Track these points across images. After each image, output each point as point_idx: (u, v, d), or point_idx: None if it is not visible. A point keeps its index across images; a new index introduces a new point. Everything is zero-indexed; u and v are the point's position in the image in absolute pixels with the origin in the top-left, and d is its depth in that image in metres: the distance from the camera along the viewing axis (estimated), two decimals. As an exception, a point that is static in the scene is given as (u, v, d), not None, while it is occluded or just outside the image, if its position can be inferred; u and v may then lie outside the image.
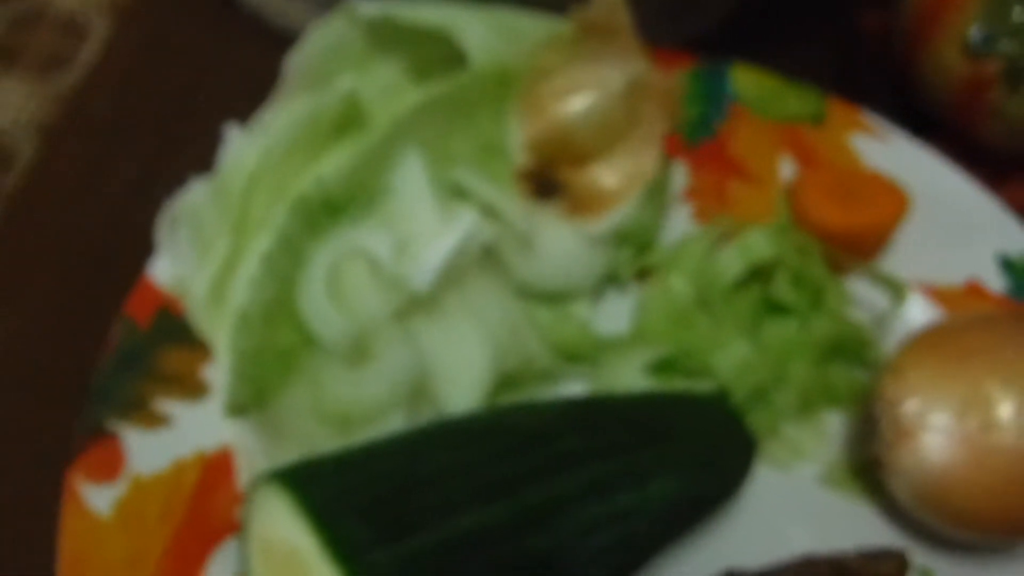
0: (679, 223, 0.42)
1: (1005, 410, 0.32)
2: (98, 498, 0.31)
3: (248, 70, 0.39)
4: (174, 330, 0.34)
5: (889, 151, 0.44)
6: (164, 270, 0.34)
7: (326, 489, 0.26)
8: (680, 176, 0.43)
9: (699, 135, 0.44)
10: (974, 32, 0.44)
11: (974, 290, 0.42)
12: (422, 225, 0.34)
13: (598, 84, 0.37)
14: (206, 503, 0.32)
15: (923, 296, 0.41)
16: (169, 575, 0.30)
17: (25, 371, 0.36)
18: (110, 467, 0.31)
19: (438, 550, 0.26)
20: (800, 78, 0.46)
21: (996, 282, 0.42)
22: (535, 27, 0.38)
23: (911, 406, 0.34)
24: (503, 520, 0.27)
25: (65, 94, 0.46)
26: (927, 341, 0.35)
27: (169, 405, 0.33)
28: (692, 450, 0.32)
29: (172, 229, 0.34)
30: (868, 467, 0.36)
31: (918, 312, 0.40)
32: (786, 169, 0.44)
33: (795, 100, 0.45)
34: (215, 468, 0.32)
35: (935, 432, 0.33)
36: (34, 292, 0.39)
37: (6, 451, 0.34)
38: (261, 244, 0.32)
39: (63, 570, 0.29)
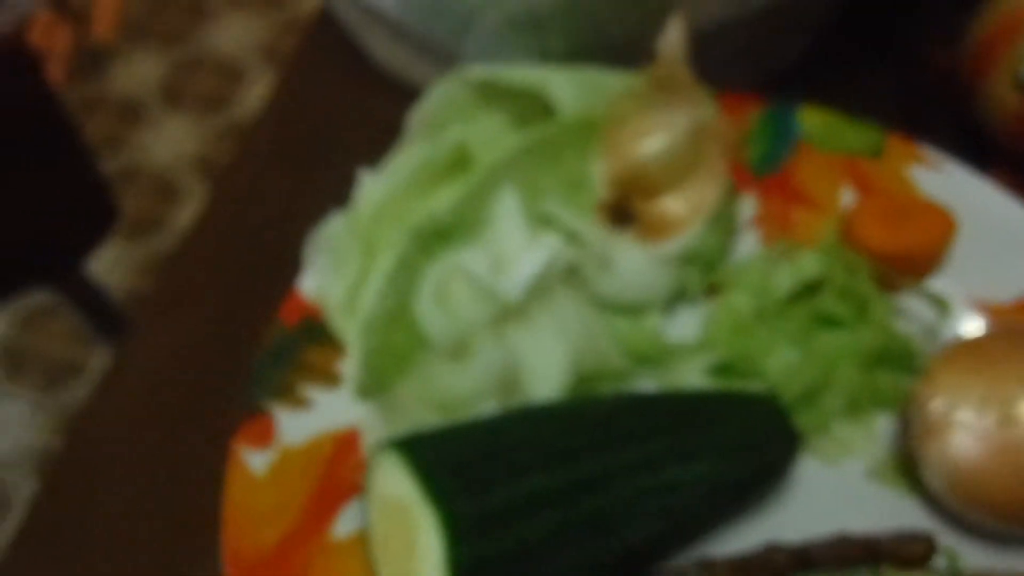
0: (747, 246, 0.48)
1: (1019, 409, 0.36)
2: (255, 461, 0.39)
3: (378, 120, 0.47)
4: (315, 332, 0.42)
5: (942, 180, 0.48)
6: (310, 284, 0.43)
7: (429, 452, 0.34)
8: (749, 206, 0.49)
9: (766, 170, 0.50)
10: (1023, 68, 0.48)
11: (1022, 306, 0.45)
12: (514, 247, 0.41)
13: (667, 128, 0.44)
14: (337, 469, 0.40)
15: (970, 311, 0.45)
16: (307, 523, 0.38)
17: (200, 367, 0.45)
18: (264, 437, 0.40)
19: (512, 502, 0.32)
20: (868, 112, 0.51)
21: (1049, 303, 0.45)
22: (614, 81, 0.45)
23: (937, 404, 0.38)
24: (565, 483, 0.33)
25: (229, 133, 0.55)
26: (958, 350, 0.40)
27: (310, 391, 0.41)
28: (735, 437, 0.37)
29: (316, 251, 0.42)
30: (908, 462, 0.41)
31: (963, 326, 0.44)
32: (846, 198, 0.49)
33: (855, 135, 0.50)
34: (345, 442, 0.40)
35: (958, 428, 0.37)
36: (206, 304, 0.48)
37: (185, 429, 0.43)
38: (385, 264, 0.40)
39: (227, 514, 0.38)
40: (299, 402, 0.41)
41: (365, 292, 0.40)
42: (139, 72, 1.99)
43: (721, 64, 0.52)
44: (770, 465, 0.38)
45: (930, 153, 0.49)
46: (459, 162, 0.44)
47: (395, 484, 0.34)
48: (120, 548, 0.41)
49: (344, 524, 0.39)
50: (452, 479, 0.33)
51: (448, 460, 0.33)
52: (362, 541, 0.38)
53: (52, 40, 1.94)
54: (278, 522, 0.38)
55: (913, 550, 0.36)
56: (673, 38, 0.42)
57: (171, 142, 1.80)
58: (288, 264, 0.43)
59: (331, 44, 0.58)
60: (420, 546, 0.33)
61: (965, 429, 0.37)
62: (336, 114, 0.55)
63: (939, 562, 0.37)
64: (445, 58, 0.50)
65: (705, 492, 0.36)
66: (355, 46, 0.56)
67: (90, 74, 1.98)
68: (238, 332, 0.45)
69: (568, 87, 0.44)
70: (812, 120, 0.51)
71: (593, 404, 0.38)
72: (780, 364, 0.42)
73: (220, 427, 0.40)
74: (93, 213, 0.83)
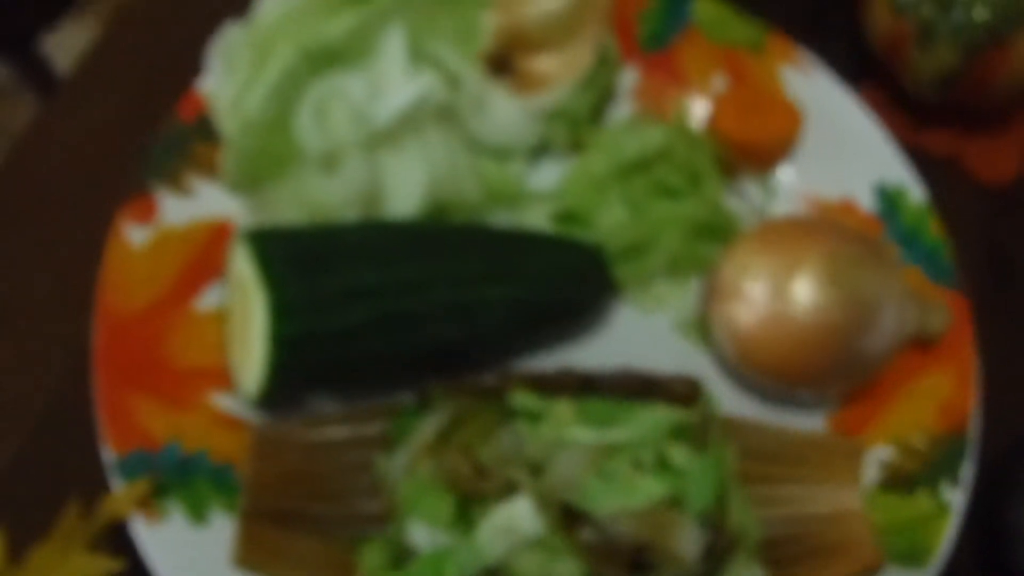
0: (621, 113, 0.52)
1: (793, 287, 0.43)
2: (136, 235, 0.44)
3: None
4: (208, 129, 0.47)
5: (807, 82, 0.53)
6: (208, 85, 0.47)
7: (273, 244, 0.39)
8: (631, 78, 0.53)
9: (654, 47, 0.54)
10: (899, -5, 0.52)
11: (847, 206, 0.51)
12: (393, 78, 0.45)
13: (555, -6, 0.47)
14: (209, 252, 0.45)
15: (799, 201, 0.50)
16: (175, 294, 0.44)
17: (107, 148, 0.50)
18: (147, 215, 0.45)
19: (335, 292, 0.38)
20: (772, 12, 0.54)
21: (867, 202, 0.51)
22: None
23: (727, 274, 0.44)
24: (387, 282, 0.39)
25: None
26: (760, 230, 0.45)
27: (195, 180, 0.46)
28: (549, 271, 0.43)
29: (217, 56, 0.46)
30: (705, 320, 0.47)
31: (783, 212, 0.50)
32: (718, 84, 0.53)
33: (741, 29, 0.54)
34: (219, 230, 0.46)
35: (741, 297, 0.43)
36: (122, 91, 0.52)
37: (87, 202, 0.48)
38: (272, 75, 0.44)
39: (104, 278, 0.43)
40: (183, 189, 0.46)
41: (251, 97, 0.44)
42: None
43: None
44: (579, 301, 0.45)
45: (804, 56, 0.53)
46: (359, -7, 0.47)
47: (243, 267, 0.40)
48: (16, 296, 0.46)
49: (208, 299, 0.44)
50: (285, 267, 0.38)
51: (287, 252, 0.39)
52: (220, 315, 0.44)
53: None
54: (149, 290, 0.44)
55: (681, 390, 0.43)
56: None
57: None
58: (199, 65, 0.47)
59: None
60: (255, 322, 0.39)
61: (746, 298, 0.43)
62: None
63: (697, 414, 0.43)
64: None
65: (508, 311, 0.42)
66: None
67: None
68: (146, 121, 0.49)
69: (471, -59, 0.47)
70: (705, 9, 0.54)
71: (434, 226, 0.44)
72: (611, 220, 0.47)
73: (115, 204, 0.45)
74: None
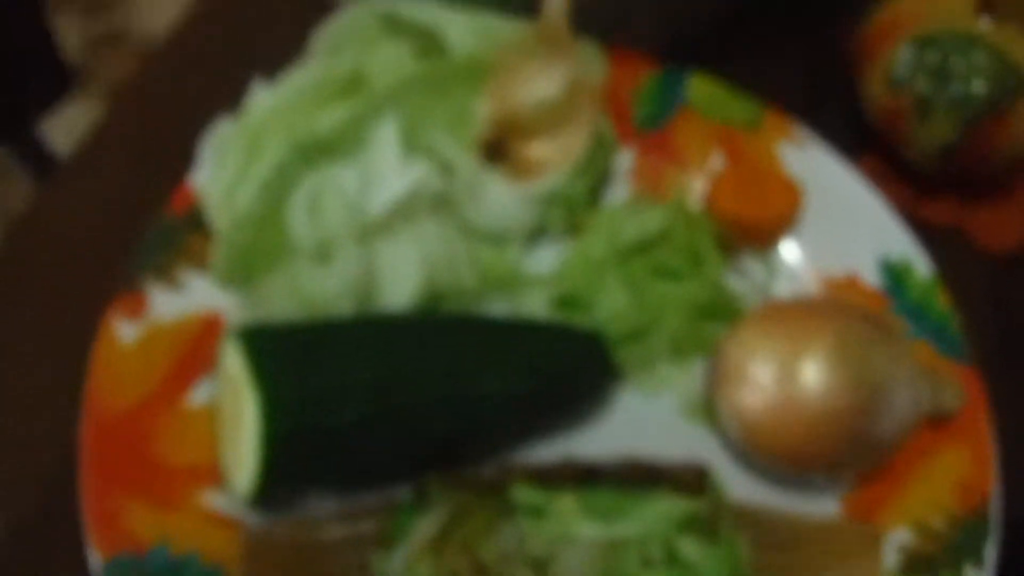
0: (618, 195, 0.52)
1: (801, 369, 0.41)
2: (126, 331, 0.44)
3: (291, 35, 0.50)
4: (200, 222, 0.46)
5: (805, 157, 0.52)
6: (200, 179, 0.47)
7: (263, 341, 0.39)
8: (627, 159, 0.53)
9: (650, 127, 0.54)
10: (896, 67, 0.52)
11: (852, 282, 0.50)
12: (385, 168, 0.45)
13: (547, 79, 0.47)
14: (200, 347, 0.44)
15: (805, 279, 0.49)
16: (165, 391, 0.43)
17: (99, 244, 0.50)
18: (136, 311, 0.44)
19: (328, 390, 0.37)
20: (771, 81, 0.54)
21: (873, 278, 0.50)
22: (508, 29, 0.48)
23: (733, 357, 0.43)
24: (381, 379, 0.38)
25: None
26: (763, 311, 0.44)
27: (186, 275, 0.45)
28: (549, 360, 0.42)
29: (208, 150, 0.46)
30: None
31: (795, 291, 0.49)
32: (716, 163, 0.53)
33: (736, 107, 0.54)
34: (210, 324, 0.45)
35: (747, 380, 0.42)
36: (114, 183, 0.52)
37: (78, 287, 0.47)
38: (264, 169, 0.44)
39: (92, 375, 0.42)
40: (174, 282, 0.45)
41: (242, 191, 0.44)
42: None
43: (633, 19, 0.55)
44: (579, 390, 0.43)
45: (801, 132, 0.53)
46: (353, 84, 0.47)
47: (234, 365, 0.39)
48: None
49: (199, 395, 0.43)
50: (277, 364, 0.37)
51: (279, 349, 0.38)
52: (211, 412, 0.43)
53: None
54: (139, 387, 0.43)
55: (688, 478, 0.42)
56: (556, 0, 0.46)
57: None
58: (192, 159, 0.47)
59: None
60: (247, 420, 0.37)
61: (752, 382, 0.42)
62: (250, 26, 0.58)
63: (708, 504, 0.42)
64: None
65: (508, 404, 0.41)
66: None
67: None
68: (140, 208, 0.49)
69: (464, 29, 0.48)
70: (700, 87, 0.54)
71: (430, 317, 0.43)
72: (612, 305, 0.46)
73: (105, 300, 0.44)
74: (50, 75, 0.86)
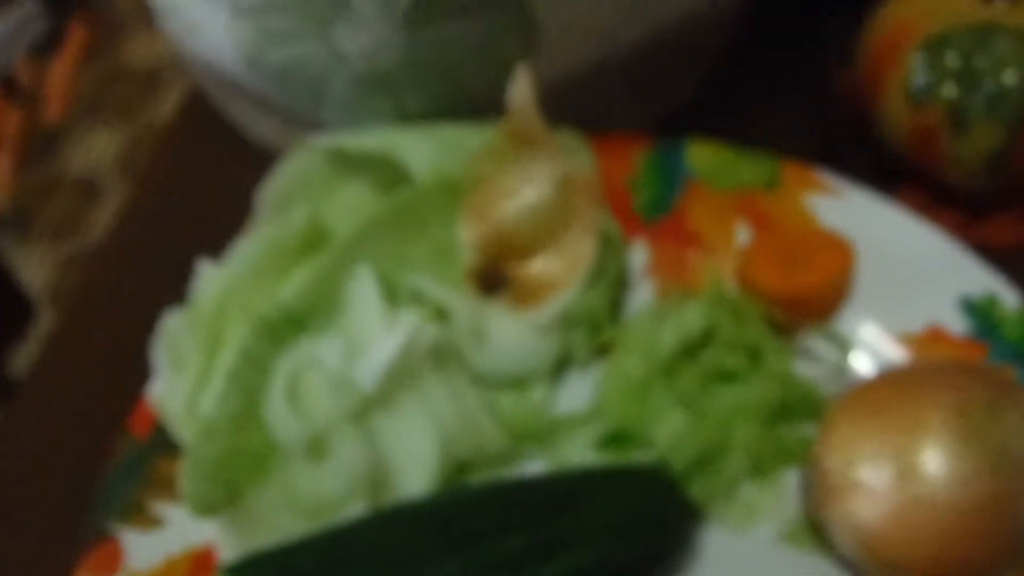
0: (643, 298, 0.45)
1: (917, 460, 0.33)
2: (101, 596, 0.36)
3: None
4: (168, 442, 0.39)
5: (843, 207, 0.45)
6: (160, 391, 0.39)
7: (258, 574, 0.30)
8: (641, 255, 0.46)
9: (657, 213, 0.47)
10: (914, 79, 0.45)
11: (936, 334, 0.42)
12: (370, 331, 0.38)
13: (530, 184, 0.41)
14: (195, 592, 0.36)
15: (880, 344, 0.42)
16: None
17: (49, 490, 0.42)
18: (110, 565, 0.36)
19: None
20: (775, 145, 0.48)
21: (958, 325, 0.42)
22: (471, 138, 0.42)
23: (834, 462, 0.35)
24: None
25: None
26: (851, 398, 0.36)
27: (162, 508, 0.38)
28: (621, 518, 0.34)
29: (161, 354, 0.39)
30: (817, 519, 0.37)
31: (874, 363, 0.41)
32: (742, 236, 0.46)
33: (748, 168, 0.47)
34: (202, 560, 0.37)
35: (857, 487, 0.34)
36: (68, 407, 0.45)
37: (22, 544, 0.40)
38: (226, 362, 0.37)
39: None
40: (149, 521, 0.37)
41: (206, 395, 0.36)
42: (94, 149, 1.97)
43: (606, 108, 0.49)
44: (664, 543, 0.35)
45: (828, 179, 0.46)
46: (313, 241, 0.41)
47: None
48: None
49: (203, 655, 0.35)
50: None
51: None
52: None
53: (2, 124, 1.92)
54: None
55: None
56: (521, 89, 0.39)
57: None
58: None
59: (205, 119, 0.55)
60: None
61: (864, 488, 0.34)
62: (210, 190, 0.52)
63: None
64: (308, 126, 0.47)
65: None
66: (226, 121, 0.54)
67: (45, 155, 1.96)
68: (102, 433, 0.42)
69: (421, 149, 0.41)
70: (701, 155, 0.48)
71: (458, 499, 0.35)
72: (670, 429, 0.38)
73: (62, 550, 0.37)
74: (11, 310, 0.81)
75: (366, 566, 0.31)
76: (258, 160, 0.48)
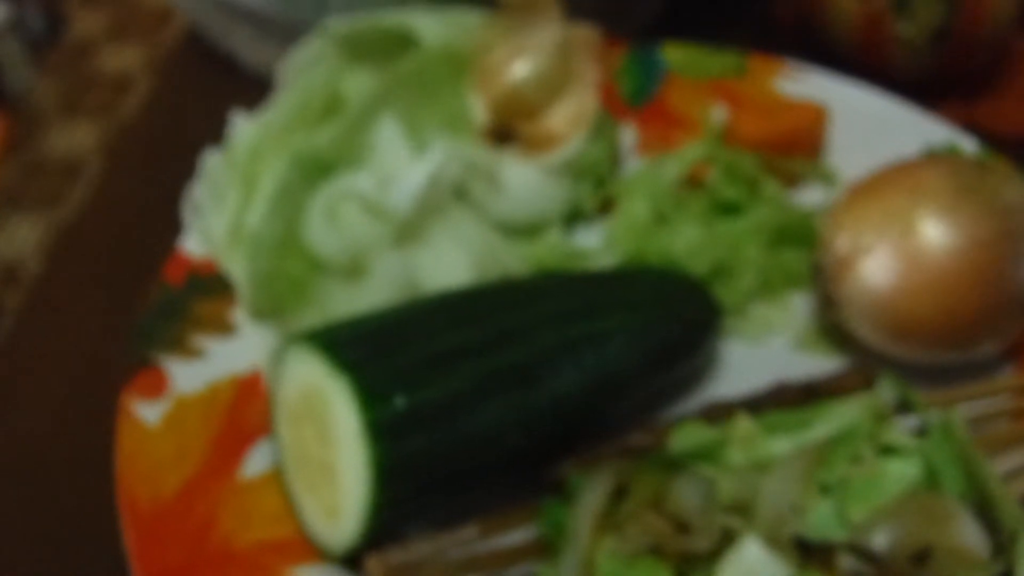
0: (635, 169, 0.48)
1: (916, 216, 0.36)
2: (148, 412, 0.35)
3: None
4: (203, 286, 0.39)
5: (808, 85, 0.50)
6: (191, 243, 0.40)
7: (331, 333, 0.31)
8: (630, 136, 0.49)
9: (640, 101, 0.51)
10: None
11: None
12: (399, 166, 0.40)
13: (533, 48, 0.44)
14: (240, 413, 0.36)
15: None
16: (211, 467, 0.34)
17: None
18: (156, 389, 0.36)
19: (426, 359, 0.30)
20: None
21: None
22: (474, 16, 0.45)
23: (843, 240, 0.38)
24: (482, 338, 0.31)
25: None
26: (850, 193, 0.40)
27: (203, 341, 0.38)
28: (651, 295, 0.36)
29: (193, 211, 0.40)
30: (830, 320, 0.40)
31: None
32: (719, 114, 0.50)
33: (718, 60, 0.51)
34: (247, 387, 0.37)
35: (866, 253, 0.37)
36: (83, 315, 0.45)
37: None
38: (267, 190, 0.38)
39: (120, 468, 0.34)
40: (192, 352, 0.38)
41: (250, 217, 0.37)
42: (16, 238, 1.93)
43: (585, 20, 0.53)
44: (696, 324, 0.37)
45: (790, 64, 0.51)
46: (330, 106, 0.43)
47: (301, 376, 0.31)
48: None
49: (253, 465, 0.35)
50: (357, 345, 0.30)
51: (350, 332, 0.31)
52: (274, 478, 0.34)
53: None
54: (177, 469, 0.34)
55: (851, 383, 0.35)
56: (524, -42, 0.43)
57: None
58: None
59: (200, 59, 0.57)
60: (337, 427, 0.30)
61: (871, 252, 0.37)
62: (207, 121, 0.54)
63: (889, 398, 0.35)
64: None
65: (625, 344, 0.34)
66: (223, 56, 0.56)
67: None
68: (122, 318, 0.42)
69: (431, 23, 0.44)
70: (675, 53, 0.52)
71: (506, 280, 0.37)
72: (686, 244, 0.41)
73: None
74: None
75: (437, 318, 0.32)
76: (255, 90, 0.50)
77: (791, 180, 0.46)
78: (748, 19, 0.60)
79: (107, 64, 2.26)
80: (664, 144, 0.49)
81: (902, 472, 0.30)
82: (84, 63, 2.26)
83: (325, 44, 0.45)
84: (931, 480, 0.30)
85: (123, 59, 2.26)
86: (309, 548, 0.33)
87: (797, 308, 0.42)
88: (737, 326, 0.41)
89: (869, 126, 0.48)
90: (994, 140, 0.52)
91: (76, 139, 2.10)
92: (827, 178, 0.45)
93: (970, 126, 0.53)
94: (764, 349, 0.41)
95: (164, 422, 0.35)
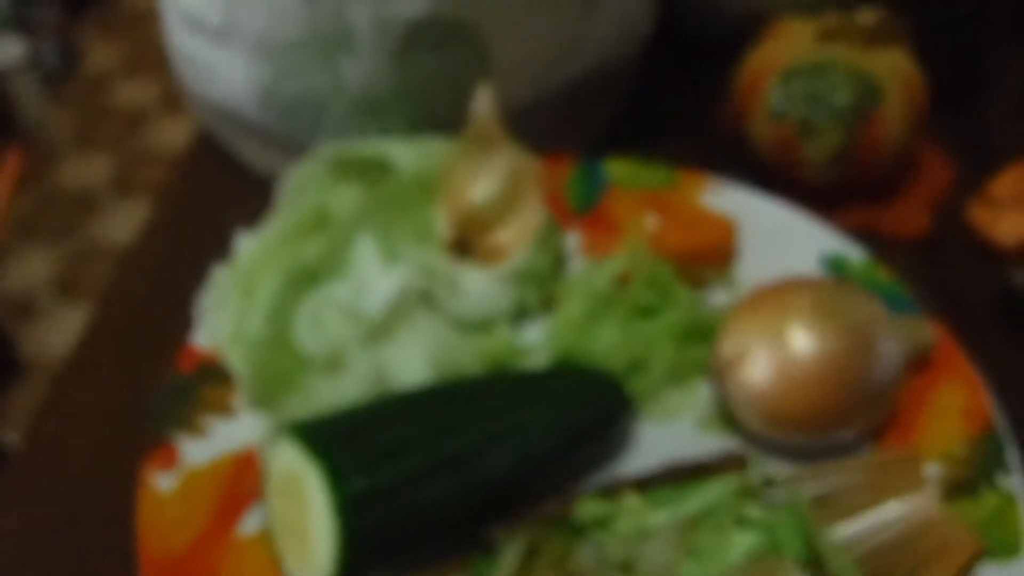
0: (577, 270, 0.57)
1: (791, 334, 0.45)
2: (163, 482, 0.44)
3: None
4: (211, 375, 0.48)
5: (725, 198, 0.59)
6: (202, 337, 0.49)
7: (309, 425, 0.40)
8: (574, 240, 0.58)
9: (584, 209, 0.60)
10: (772, 103, 0.60)
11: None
12: (373, 278, 0.49)
13: (489, 175, 0.53)
14: (239, 482, 0.45)
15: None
16: (215, 527, 0.43)
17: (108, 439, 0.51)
18: (170, 462, 0.45)
19: (383, 448, 0.39)
20: (675, 161, 0.62)
21: (819, 274, 0.55)
22: (443, 145, 0.55)
23: (729, 345, 0.47)
24: (428, 430, 0.40)
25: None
26: (745, 301, 0.49)
27: (208, 421, 0.47)
28: (573, 391, 0.46)
29: (205, 308, 0.49)
30: (725, 411, 0.49)
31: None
32: (651, 223, 0.59)
33: (652, 174, 0.61)
34: (244, 461, 0.46)
35: (746, 359, 0.46)
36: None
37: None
38: (263, 300, 0.47)
39: (140, 527, 0.42)
40: (199, 431, 0.46)
41: (248, 324, 0.46)
42: (31, 268, 2.02)
43: (540, 137, 0.63)
44: (606, 414, 0.46)
45: (714, 180, 0.60)
46: (320, 222, 0.52)
47: (285, 458, 0.40)
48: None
49: (248, 525, 0.44)
50: (329, 439, 0.39)
51: (323, 425, 0.40)
52: (265, 536, 0.43)
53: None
54: (187, 529, 0.43)
55: (729, 464, 0.44)
56: (483, 102, 0.53)
57: (69, 333, 1.82)
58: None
59: (209, 165, 0.66)
60: (311, 502, 0.38)
61: (751, 356, 0.46)
62: (218, 222, 0.63)
63: (756, 477, 0.44)
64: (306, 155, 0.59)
65: (549, 432, 0.43)
66: (233, 162, 0.65)
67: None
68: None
69: (405, 152, 0.54)
70: (617, 167, 0.61)
71: (452, 382, 0.46)
72: (605, 345, 0.50)
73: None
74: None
75: (394, 413, 0.41)
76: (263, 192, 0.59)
77: (702, 283, 0.55)
78: (694, 133, 0.69)
79: (121, 98, 2.37)
80: (605, 248, 0.58)
81: (745, 540, 0.38)
82: (99, 96, 2.37)
83: (316, 166, 0.54)
84: (773, 546, 0.39)
85: (137, 93, 2.37)
86: (291, 594, 0.41)
87: (701, 394, 0.51)
88: (649, 409, 0.50)
89: (773, 236, 0.57)
90: (892, 242, 0.62)
91: (91, 171, 2.21)
92: (730, 284, 0.54)
93: (871, 230, 0.62)
94: (672, 429, 0.49)
95: (177, 490, 0.44)
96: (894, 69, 0.60)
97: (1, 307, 1.87)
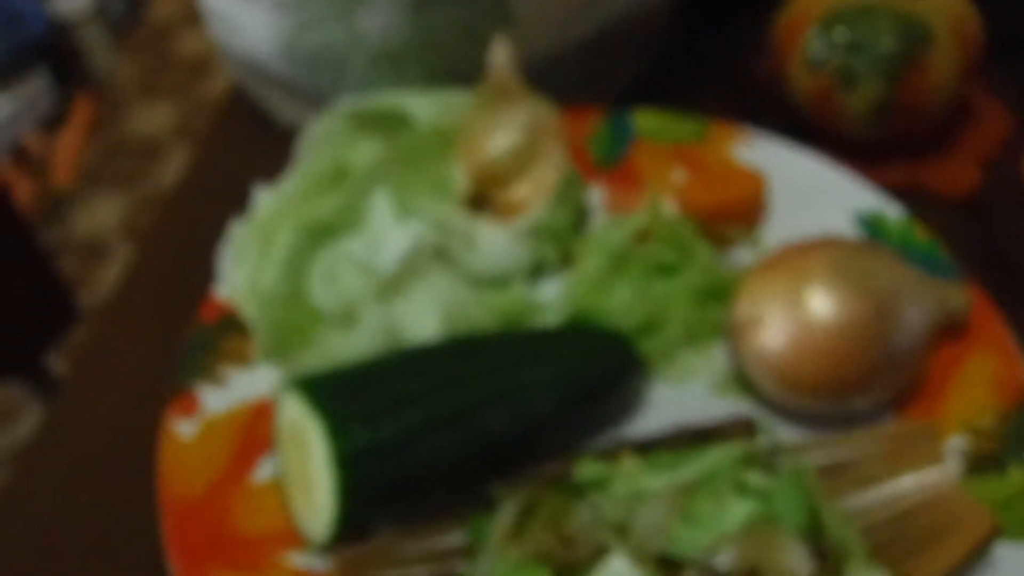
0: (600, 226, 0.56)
1: (808, 296, 0.44)
2: (184, 429, 0.46)
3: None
4: (232, 326, 0.49)
5: (758, 151, 0.57)
6: (224, 290, 0.50)
7: (313, 379, 0.41)
8: (598, 195, 0.58)
9: (609, 164, 0.59)
10: (812, 52, 0.58)
11: (833, 241, 0.54)
12: (387, 233, 0.49)
13: (508, 128, 0.53)
14: (254, 431, 0.46)
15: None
16: (230, 473, 0.45)
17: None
18: (190, 410, 0.46)
19: (384, 402, 0.40)
20: (709, 113, 0.60)
21: (853, 234, 0.54)
22: (461, 98, 0.54)
23: (745, 306, 0.46)
24: (432, 384, 0.41)
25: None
26: (764, 261, 0.48)
27: (228, 370, 0.48)
28: (581, 349, 0.45)
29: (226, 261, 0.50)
30: (739, 373, 0.48)
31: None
32: (678, 177, 0.57)
33: (682, 126, 0.59)
34: (260, 411, 0.47)
35: (762, 321, 0.45)
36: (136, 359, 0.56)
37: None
38: (278, 254, 0.48)
39: (161, 470, 0.44)
40: (218, 380, 0.48)
41: (263, 277, 0.47)
42: (99, 214, 2.09)
43: (568, 89, 0.62)
44: (613, 375, 0.46)
45: (747, 132, 0.59)
46: (338, 176, 0.52)
47: (291, 411, 0.41)
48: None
49: (261, 473, 0.45)
50: (332, 394, 0.40)
51: (329, 380, 0.41)
52: (277, 485, 0.44)
53: (14, 190, 2.04)
54: (205, 474, 0.45)
55: (737, 430, 0.43)
56: (499, 54, 0.52)
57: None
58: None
59: (242, 117, 0.67)
60: (314, 455, 0.39)
61: (767, 320, 0.45)
62: (249, 172, 0.64)
63: (763, 444, 0.43)
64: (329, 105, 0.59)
65: (552, 391, 0.43)
66: (263, 114, 0.65)
67: (53, 220, 2.08)
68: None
69: (423, 104, 0.53)
70: (645, 119, 0.60)
71: (462, 337, 0.46)
72: (621, 303, 0.49)
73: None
74: (52, 312, 0.91)
75: (397, 369, 0.42)
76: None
77: (726, 242, 0.54)
78: (729, 85, 0.67)
79: (184, 47, 2.41)
80: (630, 203, 0.57)
81: (743, 508, 0.38)
82: (162, 45, 2.41)
83: (335, 120, 0.54)
84: (771, 515, 0.38)
85: (199, 42, 2.40)
86: (299, 538, 0.43)
87: (717, 357, 0.50)
88: (663, 370, 0.49)
89: (806, 193, 0.55)
90: (939, 200, 0.59)
91: (155, 120, 2.26)
92: (756, 244, 0.53)
93: (914, 187, 0.60)
94: (685, 391, 0.49)
95: (197, 437, 0.46)
96: (945, 11, 0.57)
97: (71, 252, 1.94)
